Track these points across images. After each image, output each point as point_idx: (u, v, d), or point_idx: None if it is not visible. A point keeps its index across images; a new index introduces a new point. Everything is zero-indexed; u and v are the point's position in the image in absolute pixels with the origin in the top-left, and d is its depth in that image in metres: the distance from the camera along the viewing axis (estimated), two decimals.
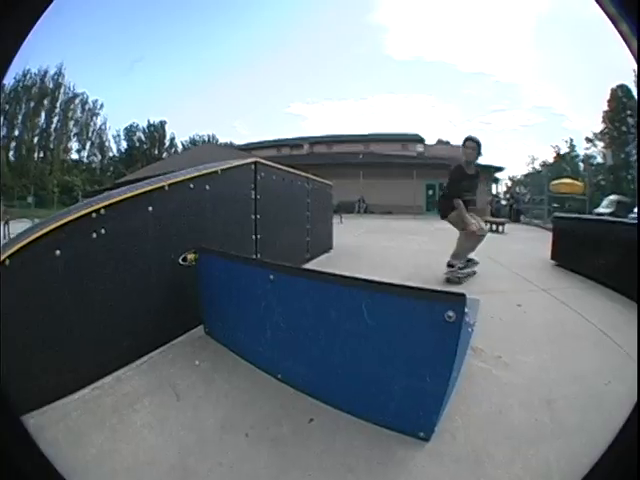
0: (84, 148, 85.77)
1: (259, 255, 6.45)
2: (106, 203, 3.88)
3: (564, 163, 60.03)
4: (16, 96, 74.83)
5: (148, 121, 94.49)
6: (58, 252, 3.45)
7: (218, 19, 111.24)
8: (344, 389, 3.20)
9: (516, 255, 11.46)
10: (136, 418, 3.19)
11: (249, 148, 56.43)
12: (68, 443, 2.85)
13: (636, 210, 23.95)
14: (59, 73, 79.66)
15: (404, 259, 10.14)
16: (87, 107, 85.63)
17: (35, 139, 78.42)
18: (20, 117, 76.20)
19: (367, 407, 3.05)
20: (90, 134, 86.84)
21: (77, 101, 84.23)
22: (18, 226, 37.69)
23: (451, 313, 2.60)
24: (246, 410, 3.28)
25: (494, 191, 43.35)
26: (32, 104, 76.80)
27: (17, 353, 3.10)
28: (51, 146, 79.80)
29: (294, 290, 3.58)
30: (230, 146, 71.69)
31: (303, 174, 9.51)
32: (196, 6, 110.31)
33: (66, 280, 3.59)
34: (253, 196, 6.59)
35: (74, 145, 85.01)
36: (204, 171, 5.33)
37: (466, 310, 2.68)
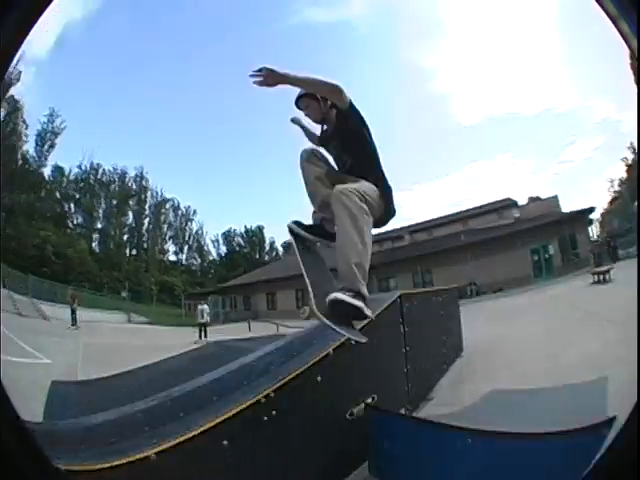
0: (181, 251, 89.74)
1: (409, 385, 6.35)
2: (276, 386, 3.89)
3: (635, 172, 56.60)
4: (89, 188, 79.18)
5: (245, 226, 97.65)
6: (225, 442, 3.40)
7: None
8: None
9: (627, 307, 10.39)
10: None
11: None
12: None
13: None
14: (141, 176, 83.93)
15: (537, 350, 9.51)
16: (180, 212, 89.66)
17: (125, 236, 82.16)
18: (100, 211, 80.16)
19: None
20: (187, 238, 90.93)
21: (168, 205, 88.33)
22: (115, 317, 39.10)
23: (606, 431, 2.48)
24: None
25: (592, 235, 41.20)
26: (114, 202, 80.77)
27: None
28: (144, 246, 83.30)
29: (483, 452, 3.48)
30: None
31: (436, 289, 9.40)
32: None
33: (234, 466, 3.55)
34: (402, 330, 6.48)
35: (171, 247, 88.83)
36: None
37: None
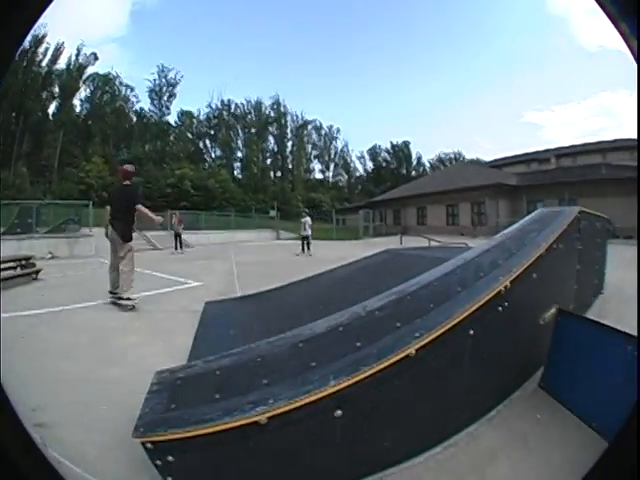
0: (327, 169, 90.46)
1: (574, 305, 6.39)
2: (512, 277, 4.21)
3: None
4: (223, 123, 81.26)
5: (391, 142, 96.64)
6: (472, 332, 3.75)
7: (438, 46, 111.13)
8: None
9: None
10: (497, 474, 3.45)
11: (497, 165, 55.75)
12: None
13: None
14: (277, 103, 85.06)
15: None
16: (323, 132, 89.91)
17: (268, 161, 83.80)
18: (240, 142, 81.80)
19: None
20: (332, 156, 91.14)
21: (310, 127, 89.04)
22: (265, 235, 39.22)
23: None
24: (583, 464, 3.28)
25: None
26: (253, 130, 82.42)
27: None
28: (289, 167, 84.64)
29: None
30: (479, 163, 70.87)
31: (598, 214, 9.11)
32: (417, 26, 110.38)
33: (471, 355, 3.91)
34: (578, 246, 6.68)
35: (316, 166, 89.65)
36: (560, 230, 5.57)
37: None
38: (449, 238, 32.73)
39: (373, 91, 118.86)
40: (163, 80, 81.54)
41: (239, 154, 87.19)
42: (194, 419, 2.84)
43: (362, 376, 3.03)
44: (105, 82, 76.57)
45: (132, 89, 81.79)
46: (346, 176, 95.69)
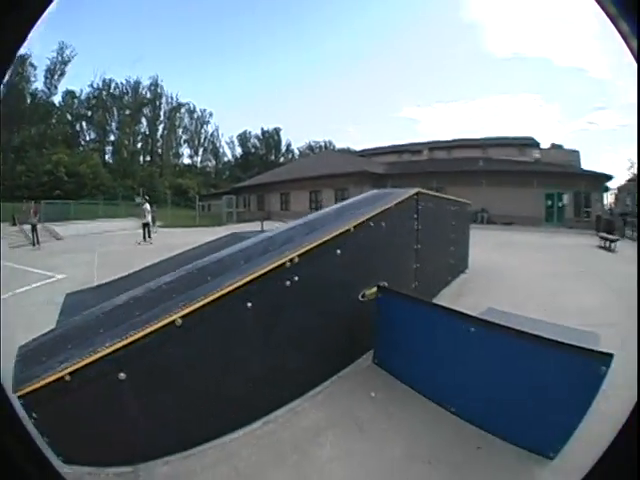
0: (197, 154, 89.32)
1: (417, 283, 6.58)
2: (300, 252, 4.07)
3: None
4: (101, 103, 79.20)
5: (262, 128, 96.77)
6: (249, 304, 3.63)
7: (324, 25, 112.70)
8: (503, 420, 3.59)
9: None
10: (321, 453, 3.23)
11: (368, 154, 56.60)
12: None
13: None
14: (155, 84, 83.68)
15: (535, 283, 9.92)
16: (195, 116, 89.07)
17: (138, 145, 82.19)
18: (113, 124, 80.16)
19: (519, 434, 3.46)
20: (202, 141, 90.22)
21: (183, 110, 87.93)
22: (129, 224, 38.65)
23: (604, 369, 3.15)
24: (426, 440, 3.43)
25: (605, 203, 41.09)
26: (127, 112, 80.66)
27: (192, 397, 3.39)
28: (159, 151, 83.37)
29: (483, 339, 3.76)
30: (348, 152, 71.93)
31: (451, 198, 9.45)
32: (300, 10, 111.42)
33: (254, 327, 3.78)
34: (416, 226, 6.65)
35: (186, 151, 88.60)
36: (380, 208, 5.46)
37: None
38: None
39: (249, 77, 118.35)
40: (59, 57, 76.60)
41: (112, 137, 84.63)
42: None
43: (131, 339, 3.20)
44: (22, 62, 72.16)
45: (35, 67, 76.81)
46: (214, 161, 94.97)
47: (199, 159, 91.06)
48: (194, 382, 3.44)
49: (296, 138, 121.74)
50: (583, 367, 3.25)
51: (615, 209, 35.34)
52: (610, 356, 3.14)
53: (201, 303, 3.38)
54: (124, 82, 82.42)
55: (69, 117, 77.99)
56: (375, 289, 4.79)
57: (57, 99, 76.44)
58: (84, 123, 79.63)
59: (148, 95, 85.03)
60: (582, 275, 11.42)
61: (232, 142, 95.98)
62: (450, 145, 51.16)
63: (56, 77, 74.46)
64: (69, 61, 74.25)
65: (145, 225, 24.66)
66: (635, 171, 55.32)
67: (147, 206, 24.98)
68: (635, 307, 6.79)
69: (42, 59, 74.41)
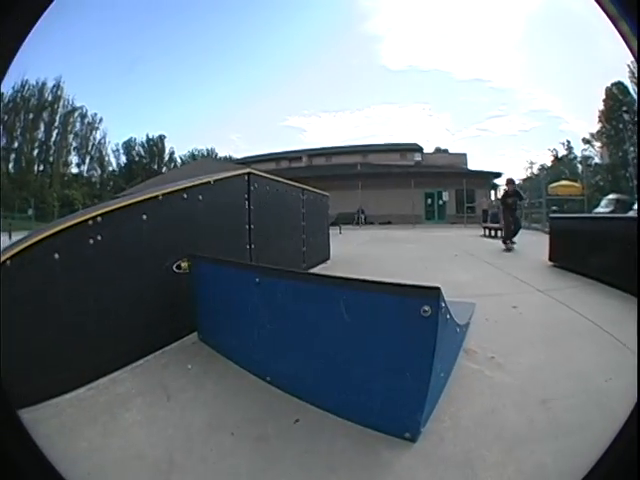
0: (84, 162, 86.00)
1: (254, 261, 6.49)
2: (102, 211, 4.04)
3: (562, 166, 59.40)
4: (15, 107, 75.08)
5: (147, 135, 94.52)
6: (57, 256, 3.60)
7: (214, 31, 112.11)
8: (329, 389, 3.22)
9: (512, 259, 11.66)
10: (127, 416, 3.28)
11: (248, 162, 56.42)
12: (61, 437, 2.94)
13: (636, 207, 23.77)
14: (57, 85, 79.90)
15: (398, 267, 10.12)
16: (86, 121, 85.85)
17: (35, 152, 78.69)
18: (19, 129, 76.45)
19: (352, 407, 3.05)
20: (90, 148, 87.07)
21: (76, 114, 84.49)
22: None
23: (427, 307, 2.63)
24: (233, 411, 3.36)
25: (493, 198, 42.87)
26: (31, 116, 77.00)
27: (15, 351, 3.16)
28: (51, 159, 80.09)
29: (277, 292, 3.68)
30: (229, 160, 71.58)
31: (297, 185, 9.56)
32: (191, 16, 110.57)
33: (63, 283, 3.72)
34: (247, 206, 6.67)
35: (74, 159, 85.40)
36: (197, 182, 5.47)
37: (442, 304, 2.74)
38: None
39: (139, 80, 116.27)
40: None
41: (16, 144, 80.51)
42: None
43: None
44: None
45: None
46: (99, 171, 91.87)
47: (85, 168, 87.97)
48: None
49: (180, 146, 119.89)
50: (403, 310, 2.74)
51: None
52: (435, 290, 2.66)
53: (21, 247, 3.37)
54: (34, 83, 78.80)
55: None
56: (188, 261, 4.79)
57: None
58: (1, 128, 75.80)
59: (50, 97, 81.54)
60: (456, 258, 11.93)
61: (118, 150, 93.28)
62: (330, 152, 52.01)
63: None
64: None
65: None
66: (534, 171, 58.73)
67: None
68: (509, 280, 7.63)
69: None
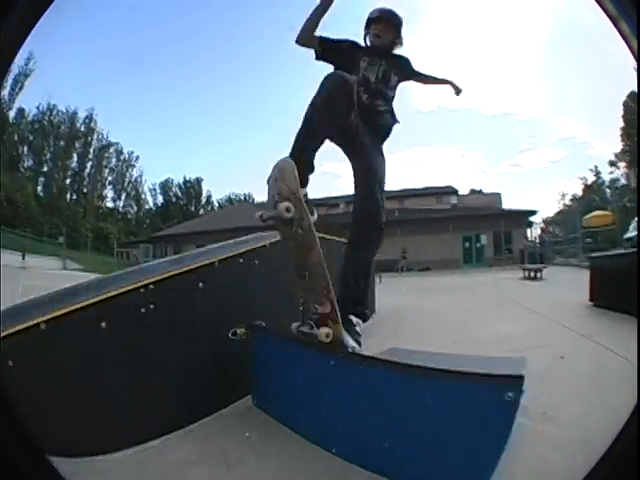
0: (119, 198, 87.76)
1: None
2: (155, 279, 4.03)
3: (592, 193, 59.33)
4: (42, 129, 76.50)
5: (184, 177, 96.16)
6: (104, 324, 3.58)
7: (254, 79, 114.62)
8: (398, 465, 3.11)
9: (553, 302, 11.36)
10: None
11: None
12: None
13: None
14: (90, 118, 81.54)
15: (445, 319, 9.92)
16: (122, 157, 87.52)
17: (67, 180, 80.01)
18: (48, 154, 77.83)
19: None
20: (126, 184, 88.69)
21: (112, 150, 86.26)
22: (52, 263, 37.86)
23: (510, 394, 2.58)
24: None
25: (529, 236, 42.46)
26: (62, 143, 78.40)
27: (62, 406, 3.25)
28: (84, 190, 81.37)
29: (352, 375, 3.60)
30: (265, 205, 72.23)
31: (343, 240, 9.50)
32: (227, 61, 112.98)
33: (112, 350, 3.70)
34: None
35: (109, 193, 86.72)
36: (254, 245, 5.51)
37: (524, 389, 2.65)
38: None
39: (178, 125, 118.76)
40: (25, 68, 72.16)
41: (45, 168, 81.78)
42: None
43: None
44: None
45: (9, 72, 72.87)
46: (136, 208, 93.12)
47: (121, 203, 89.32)
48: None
49: (217, 189, 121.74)
50: (481, 396, 2.75)
51: (546, 239, 36.48)
52: (519, 378, 2.65)
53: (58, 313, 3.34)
54: (65, 110, 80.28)
55: (16, 137, 75.42)
56: (245, 328, 4.68)
57: (12, 114, 73.78)
58: (25, 147, 77.25)
59: (82, 128, 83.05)
60: (498, 306, 11.71)
61: (155, 189, 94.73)
62: None
63: (17, 89, 71.81)
64: (29, 75, 71.90)
65: None
66: (567, 202, 57.75)
67: None
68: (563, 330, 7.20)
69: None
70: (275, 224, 4.01)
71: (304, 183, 3.83)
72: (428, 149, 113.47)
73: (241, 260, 5.12)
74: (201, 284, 4.49)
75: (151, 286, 3.95)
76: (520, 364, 4.73)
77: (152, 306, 3.94)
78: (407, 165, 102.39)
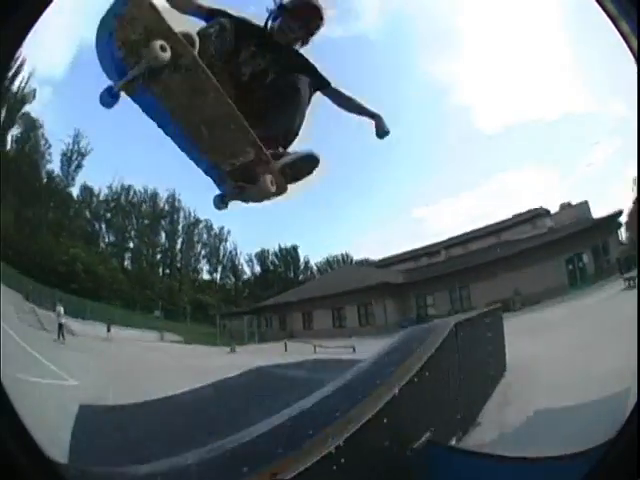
0: (216, 270, 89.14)
1: (461, 414, 6.36)
2: (346, 436, 3.82)
3: None
4: (120, 209, 79.05)
5: (279, 245, 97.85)
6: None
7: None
8: None
9: None
10: None
11: (385, 264, 56.61)
12: None
13: None
14: (173, 197, 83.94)
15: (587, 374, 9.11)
16: (213, 233, 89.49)
17: (158, 256, 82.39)
18: (132, 231, 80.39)
19: None
20: (221, 258, 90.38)
21: (201, 226, 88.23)
22: (148, 335, 39.22)
23: None
24: None
25: (621, 238, 40.37)
26: (146, 222, 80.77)
27: None
28: (178, 265, 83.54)
29: None
30: (366, 264, 72.36)
31: (481, 312, 9.35)
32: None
33: None
34: (457, 359, 6.57)
35: (204, 266, 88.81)
36: (424, 358, 5.32)
37: None
38: (336, 341, 32.74)
39: None
40: (76, 146, 76.60)
41: (131, 244, 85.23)
42: None
43: None
44: (33, 128, 71.18)
45: (50, 146, 76.35)
46: (233, 279, 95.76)
47: (219, 275, 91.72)
48: None
49: (313, 252, 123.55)
50: None
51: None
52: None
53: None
54: (142, 190, 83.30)
55: (88, 214, 78.64)
56: (422, 441, 4.58)
57: (75, 190, 76.72)
58: (103, 225, 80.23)
59: (166, 207, 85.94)
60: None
61: (251, 260, 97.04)
62: (465, 239, 50.96)
63: (73, 167, 74.22)
64: (86, 155, 74.46)
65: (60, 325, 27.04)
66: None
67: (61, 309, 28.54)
68: None
69: (53, 135, 74.39)
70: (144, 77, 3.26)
71: None
72: (507, 174, 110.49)
73: (415, 379, 5.04)
74: (385, 420, 4.35)
75: (341, 444, 3.76)
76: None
77: (343, 461, 3.78)
78: (493, 195, 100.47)
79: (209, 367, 18.95)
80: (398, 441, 4.53)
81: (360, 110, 4.71)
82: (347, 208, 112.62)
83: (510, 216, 49.57)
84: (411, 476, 4.55)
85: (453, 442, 5.40)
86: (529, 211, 47.57)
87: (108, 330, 35.35)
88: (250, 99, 4.18)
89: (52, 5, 1.93)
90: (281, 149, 4.24)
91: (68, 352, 20.35)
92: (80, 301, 43.30)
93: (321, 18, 4.32)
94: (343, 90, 4.67)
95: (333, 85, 4.63)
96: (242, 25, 4.25)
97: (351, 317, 44.95)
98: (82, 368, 15.95)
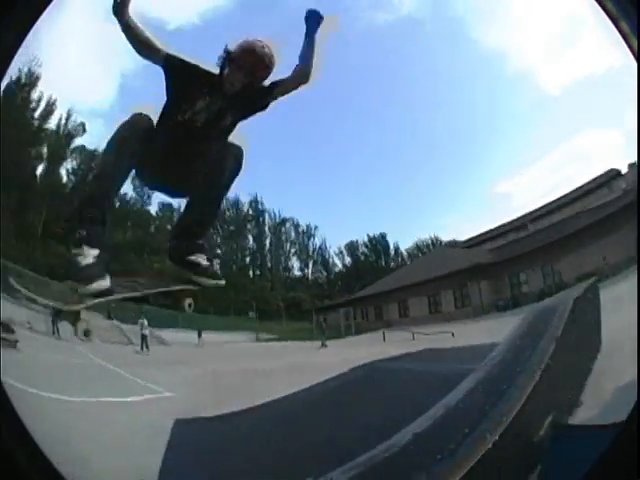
0: (307, 267, 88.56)
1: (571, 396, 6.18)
2: (500, 432, 3.52)
3: None
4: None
5: (368, 235, 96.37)
6: None
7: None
8: None
9: None
10: None
11: (475, 243, 54.85)
12: None
13: None
14: (256, 201, 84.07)
15: None
16: (300, 230, 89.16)
17: (247, 259, 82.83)
18: (218, 239, 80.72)
19: None
20: (310, 253, 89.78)
21: (288, 225, 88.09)
22: (241, 337, 38.94)
23: None
24: None
25: None
26: (232, 228, 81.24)
27: None
28: (268, 265, 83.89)
29: None
30: (455, 245, 69.99)
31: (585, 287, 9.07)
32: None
33: None
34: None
35: (295, 264, 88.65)
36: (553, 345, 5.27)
37: None
38: (433, 327, 31.49)
39: (345, 186, 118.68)
40: None
41: (218, 251, 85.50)
42: None
43: None
44: (91, 158, 72.13)
45: None
46: (325, 273, 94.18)
47: (310, 271, 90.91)
48: None
49: (401, 238, 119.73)
50: None
51: None
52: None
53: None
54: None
55: (169, 228, 79.41)
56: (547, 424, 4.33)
57: (153, 208, 77.86)
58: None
59: (250, 212, 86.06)
60: None
61: (341, 252, 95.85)
62: (548, 210, 48.90)
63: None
64: None
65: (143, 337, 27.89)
66: None
67: (145, 321, 28.77)
68: None
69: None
70: None
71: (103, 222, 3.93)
72: (576, 137, 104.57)
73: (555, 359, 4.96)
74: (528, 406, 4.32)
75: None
76: None
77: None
78: (566, 160, 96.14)
79: (314, 364, 18.12)
80: (538, 426, 4.53)
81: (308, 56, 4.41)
82: (430, 190, 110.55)
83: (587, 181, 47.55)
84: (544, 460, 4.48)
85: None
86: (602, 175, 45.52)
87: (199, 336, 35.49)
88: (202, 150, 4.33)
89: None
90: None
91: (151, 362, 20.68)
92: (170, 313, 43.42)
93: (267, 67, 4.32)
94: (283, 76, 4.48)
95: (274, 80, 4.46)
96: (195, 73, 4.37)
97: (446, 302, 44.34)
98: (168, 378, 15.93)
